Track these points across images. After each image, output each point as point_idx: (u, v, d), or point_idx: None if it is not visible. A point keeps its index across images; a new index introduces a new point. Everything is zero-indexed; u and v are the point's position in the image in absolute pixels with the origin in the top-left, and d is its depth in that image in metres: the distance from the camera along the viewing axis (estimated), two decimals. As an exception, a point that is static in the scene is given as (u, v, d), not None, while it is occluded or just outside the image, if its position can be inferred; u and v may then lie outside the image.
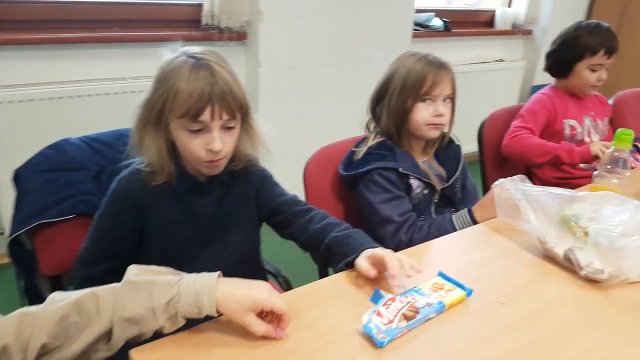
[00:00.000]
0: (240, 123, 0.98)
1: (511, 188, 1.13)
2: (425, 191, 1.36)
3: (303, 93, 2.60)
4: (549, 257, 1.04)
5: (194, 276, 0.77)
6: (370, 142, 1.35)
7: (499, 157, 1.89)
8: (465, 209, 1.30)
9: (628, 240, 0.90)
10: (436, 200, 1.39)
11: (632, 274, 0.95)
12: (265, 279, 1.21)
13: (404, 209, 1.30)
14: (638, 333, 0.83)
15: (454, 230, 1.24)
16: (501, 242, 1.12)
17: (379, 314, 0.80)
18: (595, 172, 1.15)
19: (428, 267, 0.95)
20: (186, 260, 1.01)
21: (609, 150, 1.21)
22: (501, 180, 1.15)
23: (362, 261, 0.93)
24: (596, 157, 1.63)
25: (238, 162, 1.06)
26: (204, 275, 0.77)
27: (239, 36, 2.35)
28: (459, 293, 0.88)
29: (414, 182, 1.34)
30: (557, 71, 1.88)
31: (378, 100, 1.38)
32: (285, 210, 1.11)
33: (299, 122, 2.57)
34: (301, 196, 1.21)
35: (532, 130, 1.79)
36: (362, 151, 1.34)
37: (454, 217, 1.30)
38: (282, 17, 2.40)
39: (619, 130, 1.10)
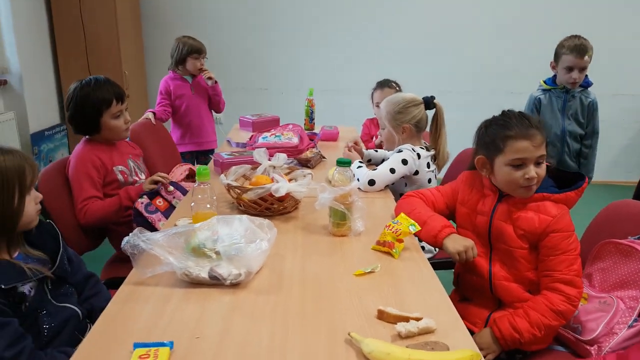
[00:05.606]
0: None
1: (140, 242, 1.21)
2: (32, 288, 1.22)
3: None
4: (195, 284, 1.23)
5: None
6: None
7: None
8: None
9: (254, 245, 1.20)
10: (50, 287, 1.29)
11: (254, 267, 1.25)
12: None
13: (14, 335, 1.11)
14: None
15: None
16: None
17: None
18: (193, 204, 1.39)
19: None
20: None
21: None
22: (126, 239, 1.21)
23: None
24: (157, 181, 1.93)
25: None
26: None
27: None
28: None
29: (23, 288, 1.19)
30: (87, 129, 1.96)
31: None
32: None
33: None
34: None
35: (96, 196, 1.89)
36: None
37: None
38: None
39: (199, 167, 1.37)
